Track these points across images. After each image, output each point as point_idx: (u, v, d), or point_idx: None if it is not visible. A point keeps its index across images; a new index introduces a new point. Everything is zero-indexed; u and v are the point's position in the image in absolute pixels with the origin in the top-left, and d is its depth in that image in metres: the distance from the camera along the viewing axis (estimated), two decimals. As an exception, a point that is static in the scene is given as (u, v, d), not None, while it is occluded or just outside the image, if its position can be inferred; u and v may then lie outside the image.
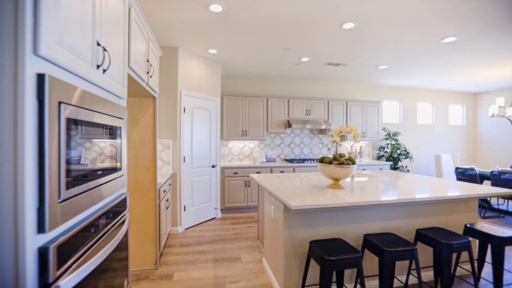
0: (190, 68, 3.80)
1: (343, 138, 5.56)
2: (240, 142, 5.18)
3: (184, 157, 3.69)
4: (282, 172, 4.71)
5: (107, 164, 1.22)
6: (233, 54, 3.89)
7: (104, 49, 1.15)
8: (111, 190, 1.28)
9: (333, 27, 2.90)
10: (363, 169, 5.16)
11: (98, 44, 1.09)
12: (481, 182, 4.67)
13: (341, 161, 2.25)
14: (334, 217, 2.14)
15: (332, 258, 1.63)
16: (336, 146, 2.37)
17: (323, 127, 4.98)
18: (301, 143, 5.52)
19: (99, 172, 1.13)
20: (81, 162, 0.97)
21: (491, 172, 4.36)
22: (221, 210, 4.54)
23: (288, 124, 5.00)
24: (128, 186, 2.52)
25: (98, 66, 1.09)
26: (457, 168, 4.90)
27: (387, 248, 1.77)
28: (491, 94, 6.43)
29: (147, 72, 2.07)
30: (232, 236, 3.49)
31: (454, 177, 5.72)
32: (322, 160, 2.39)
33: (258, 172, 4.61)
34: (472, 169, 4.64)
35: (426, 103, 6.45)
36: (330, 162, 2.30)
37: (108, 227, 1.20)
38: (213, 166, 4.20)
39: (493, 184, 4.37)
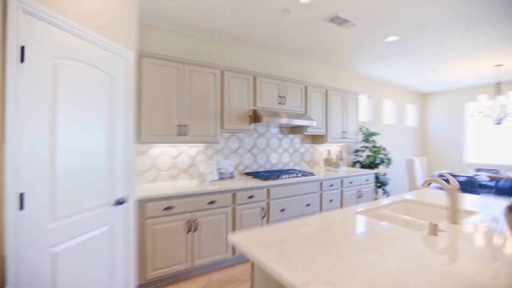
0: (48, -51, 1.39)
1: (317, 139, 4.05)
2: (173, 147, 2.93)
3: (20, 194, 1.27)
4: (251, 197, 2.77)
5: None
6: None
7: None
8: None
9: None
10: (351, 182, 3.77)
11: None
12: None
13: None
14: None
15: None
16: None
17: (299, 122, 3.30)
18: (267, 147, 3.70)
19: None
20: None
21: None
22: (140, 286, 2.21)
23: (254, 117, 3.10)
24: None
25: None
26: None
27: None
28: (437, 96, 6.30)
29: None
30: None
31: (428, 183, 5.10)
32: None
33: (211, 202, 2.52)
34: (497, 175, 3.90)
35: (390, 100, 5.74)
36: None
37: None
38: (119, 203, 1.87)
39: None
